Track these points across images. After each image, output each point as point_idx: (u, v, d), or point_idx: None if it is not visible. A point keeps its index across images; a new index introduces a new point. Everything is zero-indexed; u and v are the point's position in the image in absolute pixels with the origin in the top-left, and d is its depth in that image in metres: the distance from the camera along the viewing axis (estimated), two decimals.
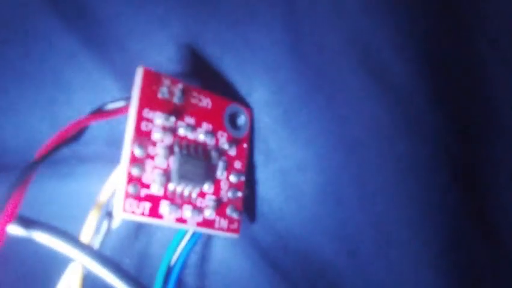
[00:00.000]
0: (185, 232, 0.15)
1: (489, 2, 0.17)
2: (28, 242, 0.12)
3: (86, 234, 0.12)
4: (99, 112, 0.13)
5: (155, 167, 0.13)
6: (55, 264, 0.13)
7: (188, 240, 0.15)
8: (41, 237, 0.11)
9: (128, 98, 0.13)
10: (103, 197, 0.13)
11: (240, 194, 0.15)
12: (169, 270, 0.15)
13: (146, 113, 0.13)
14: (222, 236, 0.16)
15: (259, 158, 0.16)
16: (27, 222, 0.11)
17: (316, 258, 0.16)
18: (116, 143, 0.14)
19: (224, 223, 0.15)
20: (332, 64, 0.16)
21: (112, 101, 0.14)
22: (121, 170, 0.13)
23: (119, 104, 0.13)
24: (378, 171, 0.16)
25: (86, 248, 0.12)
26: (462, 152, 0.16)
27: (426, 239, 0.16)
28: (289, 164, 0.16)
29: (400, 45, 0.15)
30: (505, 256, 0.17)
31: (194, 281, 0.17)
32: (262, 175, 0.16)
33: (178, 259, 0.15)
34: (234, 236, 0.15)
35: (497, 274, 0.17)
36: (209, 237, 0.17)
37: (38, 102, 0.17)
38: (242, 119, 0.16)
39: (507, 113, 0.16)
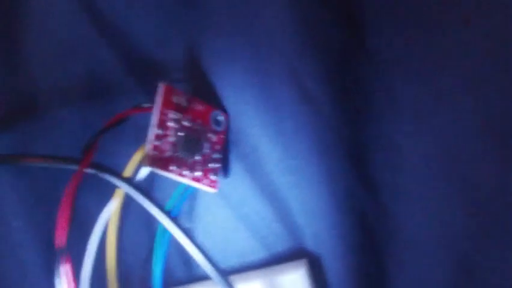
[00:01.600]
0: (183, 186, 0.24)
1: None
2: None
3: (129, 170, 0.22)
4: (137, 108, 0.23)
5: (168, 142, 0.23)
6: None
7: (184, 192, 0.24)
8: (104, 175, 0.21)
9: (153, 102, 0.23)
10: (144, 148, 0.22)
11: (217, 165, 0.25)
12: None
13: (165, 110, 0.23)
14: (205, 190, 0.25)
15: None
16: (95, 166, 0.21)
17: None
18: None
19: (207, 181, 0.24)
20: None
21: (144, 103, 0.23)
22: (148, 143, 0.22)
23: (149, 105, 0.23)
24: None
25: (128, 180, 0.21)
26: None
27: None
28: None
29: None
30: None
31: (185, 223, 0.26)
32: None
33: (175, 205, 0.24)
34: (213, 190, 0.25)
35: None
36: (197, 191, 0.26)
37: None
38: (221, 119, 0.25)
39: None
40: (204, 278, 0.25)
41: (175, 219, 0.21)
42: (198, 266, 0.23)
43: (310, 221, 0.25)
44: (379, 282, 0.25)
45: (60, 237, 0.19)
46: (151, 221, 0.25)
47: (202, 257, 0.21)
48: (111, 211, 0.22)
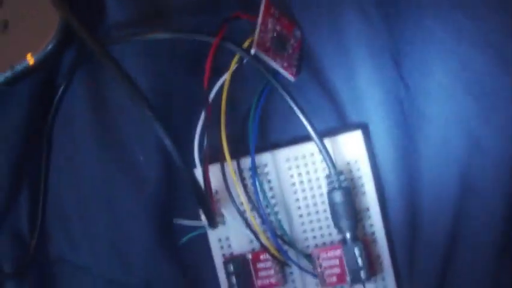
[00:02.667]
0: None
1: None
2: None
3: None
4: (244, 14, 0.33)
5: (268, 37, 0.33)
6: None
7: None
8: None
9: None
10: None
11: (296, 62, 0.35)
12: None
13: (266, 15, 0.33)
14: (287, 77, 0.34)
15: None
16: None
17: None
18: None
19: (289, 70, 0.34)
20: None
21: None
22: (256, 34, 0.32)
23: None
24: None
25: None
26: None
27: None
28: None
29: None
30: None
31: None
32: None
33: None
34: (293, 78, 0.34)
35: None
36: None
37: None
38: (298, 33, 0.35)
39: None
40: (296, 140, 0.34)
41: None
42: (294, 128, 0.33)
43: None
44: (411, 154, 0.34)
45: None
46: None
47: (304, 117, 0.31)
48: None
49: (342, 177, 0.32)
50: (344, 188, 0.32)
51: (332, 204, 0.32)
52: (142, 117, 0.33)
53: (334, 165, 0.32)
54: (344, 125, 0.34)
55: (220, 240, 0.35)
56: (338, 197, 0.32)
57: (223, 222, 0.35)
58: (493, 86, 0.33)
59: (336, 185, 0.32)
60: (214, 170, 0.34)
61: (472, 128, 0.33)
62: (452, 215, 0.33)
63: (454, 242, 0.33)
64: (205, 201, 0.30)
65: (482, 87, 0.33)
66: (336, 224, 0.32)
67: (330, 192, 0.32)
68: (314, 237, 0.34)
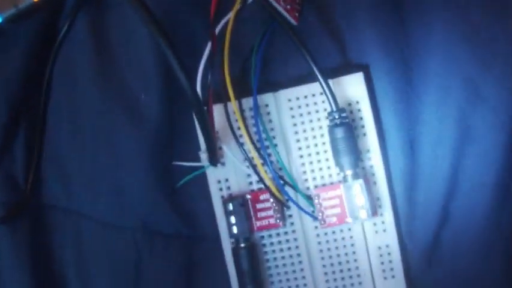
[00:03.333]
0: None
1: None
2: None
3: None
4: None
5: None
6: None
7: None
8: None
9: None
10: None
11: (299, 7, 0.35)
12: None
13: None
14: (290, 21, 0.35)
15: None
16: None
17: None
18: None
19: (293, 14, 0.34)
20: None
21: None
22: None
23: None
24: None
25: None
26: None
27: None
28: None
29: None
30: None
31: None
32: None
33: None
34: (295, 23, 0.35)
35: None
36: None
37: None
38: None
39: None
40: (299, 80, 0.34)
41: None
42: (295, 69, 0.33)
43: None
44: (411, 99, 0.34)
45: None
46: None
47: (308, 56, 0.31)
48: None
49: (344, 114, 0.32)
50: (346, 123, 0.32)
51: (333, 140, 0.32)
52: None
53: (336, 102, 0.32)
54: (345, 67, 0.34)
55: (219, 181, 0.35)
56: (340, 132, 0.32)
57: (223, 163, 0.35)
58: (490, 35, 0.33)
59: (338, 122, 0.32)
60: (215, 111, 0.34)
61: (471, 75, 0.33)
62: (451, 161, 0.33)
63: (453, 186, 0.33)
64: (209, 135, 0.30)
65: (480, 36, 0.33)
66: (337, 162, 0.32)
67: (331, 128, 0.32)
68: (314, 178, 0.34)
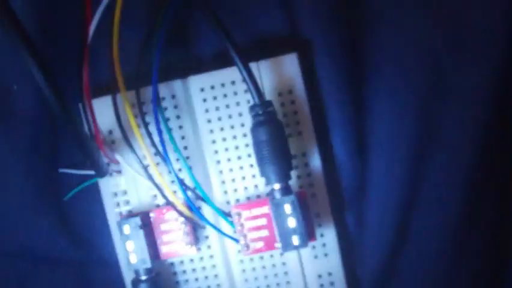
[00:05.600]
0: None
1: None
2: None
3: None
4: None
5: None
6: None
7: None
8: None
9: None
10: None
11: None
12: None
13: None
14: None
15: None
16: None
17: None
18: None
19: None
20: None
21: None
22: None
23: None
24: None
25: None
26: None
27: None
28: None
29: None
30: None
31: None
32: None
33: None
34: None
35: None
36: None
37: None
38: None
39: None
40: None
41: None
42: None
43: None
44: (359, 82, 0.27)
45: None
46: None
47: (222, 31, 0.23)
48: None
49: (270, 109, 0.24)
50: (273, 121, 0.24)
51: (258, 144, 0.24)
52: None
53: (260, 93, 0.24)
54: (275, 46, 0.26)
55: (115, 194, 0.27)
56: (265, 133, 0.24)
57: (119, 172, 0.27)
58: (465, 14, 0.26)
59: (263, 119, 0.24)
60: (104, 106, 0.26)
61: (437, 59, 0.25)
62: (409, 165, 0.26)
63: (412, 197, 0.26)
64: (82, 138, 0.22)
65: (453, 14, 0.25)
66: (263, 172, 0.24)
67: (255, 128, 0.24)
68: (235, 190, 0.26)
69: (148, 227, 0.26)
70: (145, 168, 0.25)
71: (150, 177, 0.25)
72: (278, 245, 0.25)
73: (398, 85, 0.26)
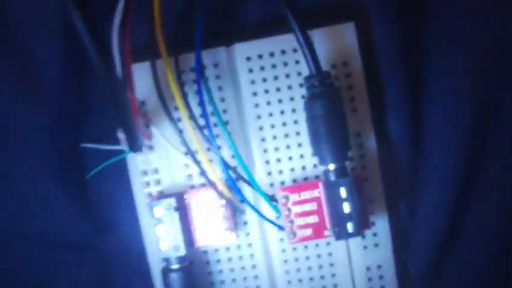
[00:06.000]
0: None
1: None
2: None
3: None
4: None
5: None
6: None
7: None
8: None
9: None
10: None
11: None
12: None
13: None
14: None
15: None
16: None
17: None
18: None
19: None
20: None
21: None
22: None
23: None
24: None
25: None
26: None
27: None
28: None
29: None
30: None
31: None
32: None
33: None
34: None
35: None
36: None
37: None
38: None
39: None
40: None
41: None
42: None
43: None
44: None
45: None
46: None
47: None
48: None
49: (328, 80, 0.22)
50: (332, 94, 0.22)
51: (312, 119, 0.22)
52: None
53: (318, 63, 0.21)
54: (331, 13, 0.24)
55: (145, 173, 0.24)
56: (322, 107, 0.21)
57: (151, 147, 0.24)
58: None
59: (320, 91, 0.21)
60: (141, 72, 0.23)
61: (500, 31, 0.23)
62: (464, 145, 0.24)
63: (469, 186, 0.24)
64: (123, 107, 0.19)
65: None
66: (317, 151, 0.22)
67: (310, 101, 0.22)
68: (280, 171, 0.24)
69: (182, 210, 0.23)
70: (186, 143, 0.23)
71: (192, 154, 0.23)
72: (329, 232, 0.22)
73: (458, 66, 0.24)
